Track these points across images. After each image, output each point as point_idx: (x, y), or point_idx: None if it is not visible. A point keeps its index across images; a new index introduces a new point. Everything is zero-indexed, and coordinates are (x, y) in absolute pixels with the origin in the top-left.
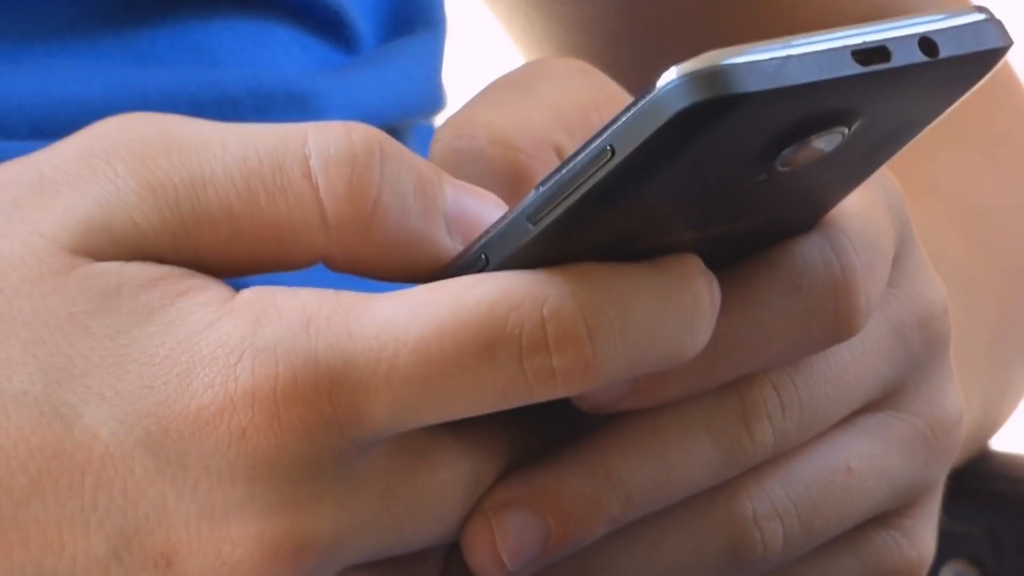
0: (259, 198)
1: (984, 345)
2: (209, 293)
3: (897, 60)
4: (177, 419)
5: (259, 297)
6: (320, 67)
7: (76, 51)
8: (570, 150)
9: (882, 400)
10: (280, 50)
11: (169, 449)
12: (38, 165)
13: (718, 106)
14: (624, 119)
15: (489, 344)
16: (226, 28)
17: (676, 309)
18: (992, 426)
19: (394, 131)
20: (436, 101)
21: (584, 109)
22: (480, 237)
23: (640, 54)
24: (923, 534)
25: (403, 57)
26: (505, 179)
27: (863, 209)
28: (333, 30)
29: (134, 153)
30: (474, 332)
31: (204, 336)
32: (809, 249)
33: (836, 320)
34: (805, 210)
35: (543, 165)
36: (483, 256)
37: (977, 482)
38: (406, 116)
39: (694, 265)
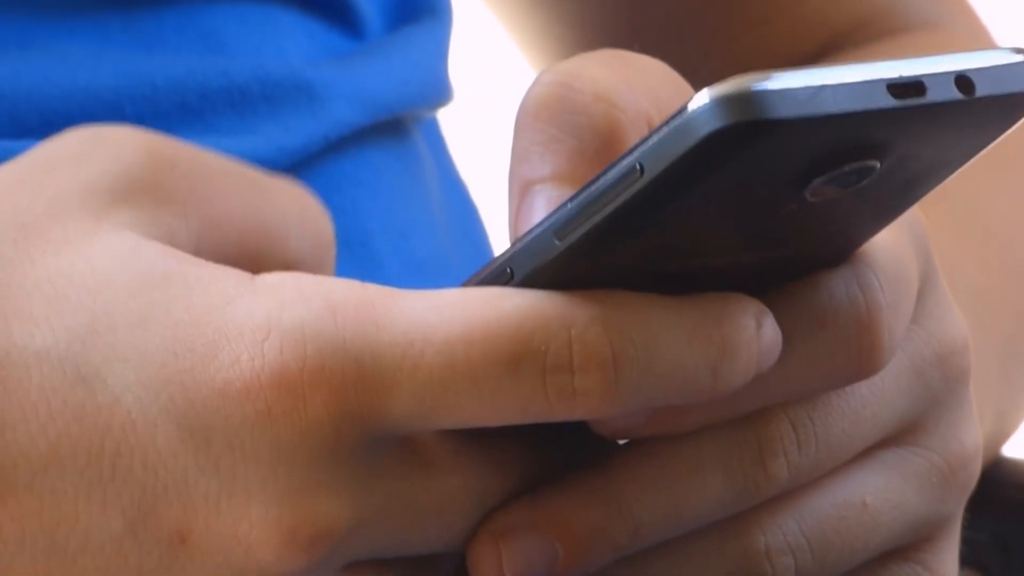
0: None
1: (996, 358)
2: (225, 269)
3: (932, 96)
4: (202, 390)
5: (282, 280)
6: (326, 54)
7: (83, 35)
8: None
9: (900, 435)
10: (285, 36)
11: (193, 421)
12: (44, 149)
13: (749, 131)
14: (654, 139)
15: (515, 356)
16: (232, 13)
17: (702, 349)
18: (1004, 437)
19: (400, 123)
20: (443, 93)
21: (670, 99)
22: (507, 250)
23: (639, 50)
24: (944, 568)
25: (409, 47)
26: (602, 135)
27: (890, 244)
28: (339, 16)
29: (148, 137)
30: (501, 342)
31: (228, 309)
32: (836, 285)
33: (859, 357)
34: (835, 244)
35: (638, 133)
36: (508, 269)
37: (986, 489)
38: (412, 107)
39: (732, 307)
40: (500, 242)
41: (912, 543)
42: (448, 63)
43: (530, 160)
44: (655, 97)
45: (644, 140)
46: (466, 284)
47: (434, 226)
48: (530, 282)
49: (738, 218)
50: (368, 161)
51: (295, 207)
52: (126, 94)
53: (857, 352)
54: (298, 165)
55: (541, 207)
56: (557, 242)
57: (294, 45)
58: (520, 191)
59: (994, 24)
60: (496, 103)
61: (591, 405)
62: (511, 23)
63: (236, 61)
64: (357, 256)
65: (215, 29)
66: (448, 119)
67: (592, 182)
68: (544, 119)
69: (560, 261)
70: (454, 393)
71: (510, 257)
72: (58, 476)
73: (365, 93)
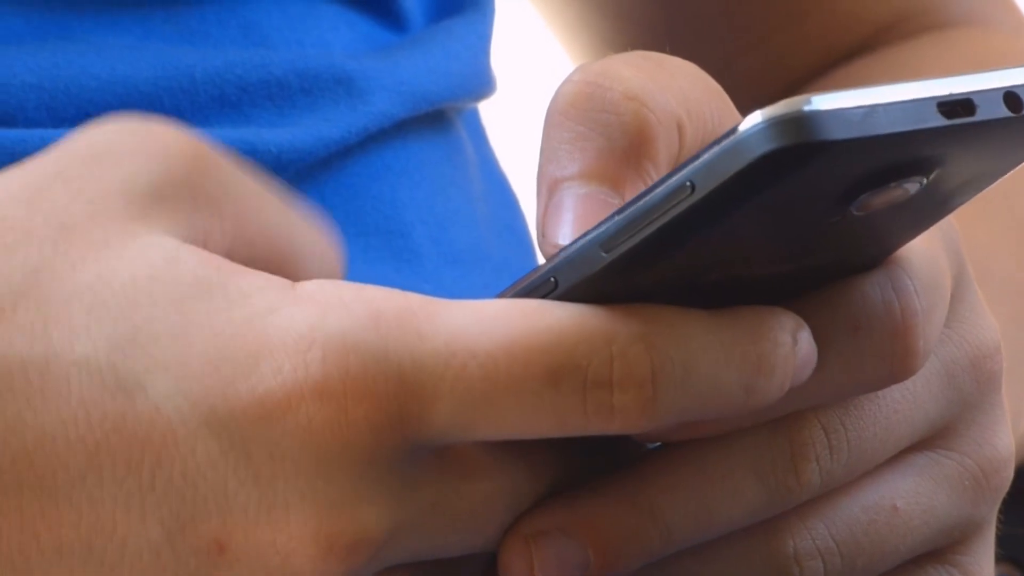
0: None
1: None
2: (265, 277)
3: (981, 114)
4: (243, 402)
5: (323, 288)
6: (367, 46)
7: (125, 27)
8: (688, 129)
9: (931, 439)
10: (327, 27)
11: (234, 432)
12: (85, 139)
13: (801, 152)
14: (706, 157)
15: (556, 371)
16: (274, 7)
17: (739, 366)
18: None
19: (442, 114)
20: (484, 85)
21: (700, 101)
22: (551, 259)
23: (676, 45)
24: (979, 570)
25: (451, 38)
26: (631, 134)
27: (925, 248)
28: (381, 9)
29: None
30: (544, 356)
31: (271, 319)
32: (871, 289)
33: (893, 362)
34: (872, 250)
35: (667, 134)
36: (552, 279)
37: (1022, 483)
38: (453, 99)
39: (769, 322)
40: (535, 236)
41: (946, 546)
42: (490, 55)
43: (558, 158)
44: (684, 97)
45: (695, 157)
46: (508, 291)
47: (474, 217)
48: (574, 292)
49: (782, 231)
50: (409, 152)
51: (317, 242)
52: (164, 86)
53: (891, 357)
54: (337, 155)
55: (569, 205)
56: (604, 254)
57: (336, 38)
58: (548, 189)
59: None
60: (533, 98)
61: (627, 421)
62: (550, 13)
63: (276, 54)
64: (396, 247)
65: (257, 22)
66: (488, 113)
67: (640, 196)
68: (573, 117)
69: (605, 273)
70: (495, 405)
71: (554, 267)
72: (96, 486)
73: (406, 85)
